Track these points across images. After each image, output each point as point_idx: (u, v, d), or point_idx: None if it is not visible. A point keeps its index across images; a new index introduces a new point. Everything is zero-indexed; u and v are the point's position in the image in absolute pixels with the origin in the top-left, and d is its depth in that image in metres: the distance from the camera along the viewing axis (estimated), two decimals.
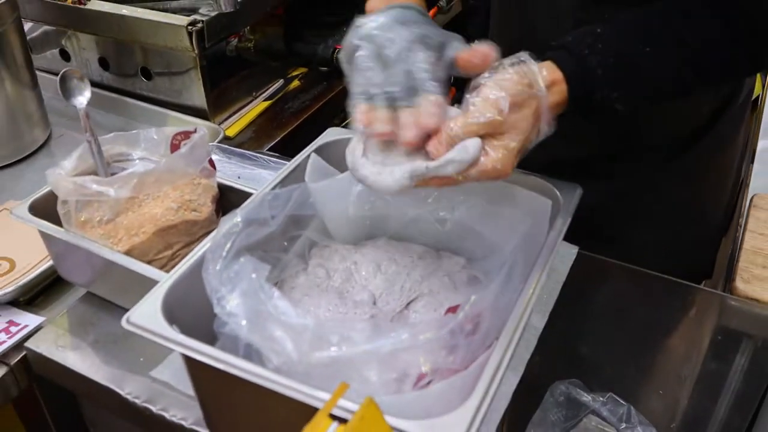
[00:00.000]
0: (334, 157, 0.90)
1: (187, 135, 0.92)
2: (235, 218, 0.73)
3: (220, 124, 1.40)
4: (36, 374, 0.93)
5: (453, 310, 0.78)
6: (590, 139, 1.01)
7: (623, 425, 0.86)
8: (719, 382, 0.89)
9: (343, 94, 0.78)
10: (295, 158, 0.88)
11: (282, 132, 1.43)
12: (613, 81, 0.76)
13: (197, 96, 1.38)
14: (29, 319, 0.97)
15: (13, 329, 0.96)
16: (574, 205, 0.81)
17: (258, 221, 0.76)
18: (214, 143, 1.27)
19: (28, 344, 0.90)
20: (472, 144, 0.69)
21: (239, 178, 1.14)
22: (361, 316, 0.80)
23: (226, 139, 1.36)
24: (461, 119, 0.69)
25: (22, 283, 0.97)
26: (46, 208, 0.92)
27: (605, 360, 0.92)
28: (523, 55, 0.72)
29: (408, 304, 0.83)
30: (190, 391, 0.83)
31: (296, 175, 0.86)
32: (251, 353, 0.66)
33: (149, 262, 0.84)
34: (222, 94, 1.45)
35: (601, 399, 0.89)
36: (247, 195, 0.93)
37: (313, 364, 0.62)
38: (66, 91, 0.92)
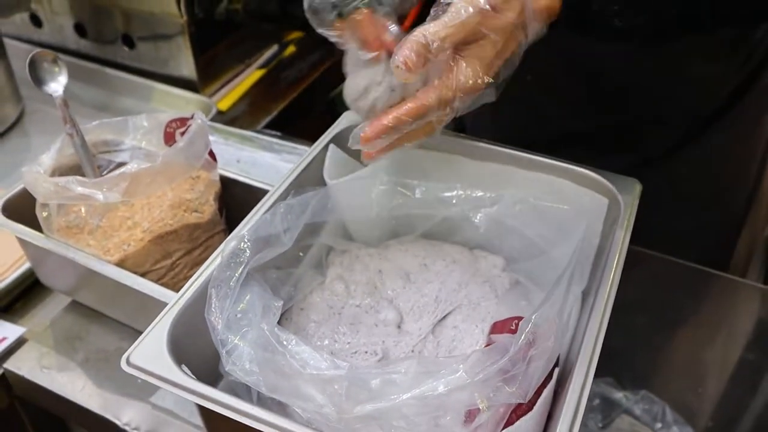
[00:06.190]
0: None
1: (183, 122, 0.80)
2: (243, 241, 0.62)
3: (210, 96, 1.27)
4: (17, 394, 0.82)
5: (501, 326, 0.68)
6: (600, 110, 0.92)
7: (658, 425, 0.81)
8: (758, 378, 0.83)
9: None
10: (310, 151, 0.76)
11: (279, 105, 1.31)
12: None
13: (185, 66, 1.26)
14: (8, 330, 0.85)
15: None
16: (635, 204, 0.71)
17: (269, 239, 0.64)
18: (207, 121, 1.15)
19: (8, 365, 0.79)
20: None
21: (239, 162, 1.03)
22: (387, 341, 0.69)
23: (219, 114, 1.23)
24: (436, 22, 0.57)
25: None
26: (21, 207, 0.80)
27: (638, 355, 0.85)
28: None
29: (444, 317, 0.73)
30: (196, 419, 0.73)
31: (311, 169, 0.75)
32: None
33: (145, 274, 0.73)
34: (211, 63, 1.32)
35: (634, 397, 0.82)
36: (253, 188, 0.83)
37: (353, 419, 0.52)
38: (37, 77, 0.78)
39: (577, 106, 0.94)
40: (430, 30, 0.56)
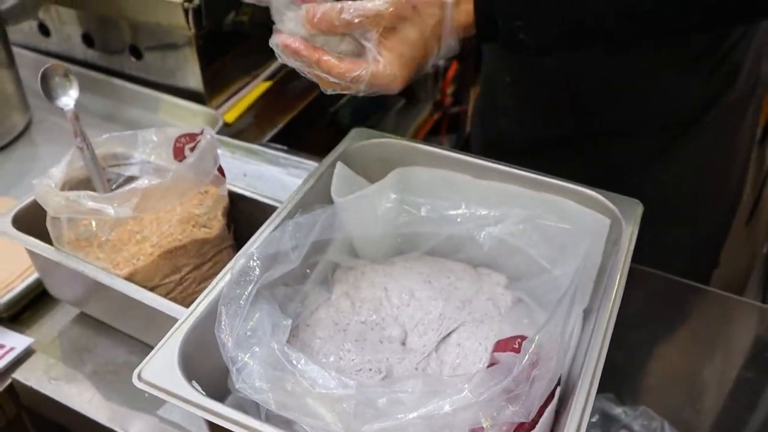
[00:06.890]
0: (361, 163, 0.80)
1: (192, 137, 0.81)
2: (252, 259, 0.63)
3: (217, 108, 1.28)
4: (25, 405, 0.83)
5: (504, 344, 0.69)
6: (576, 115, 0.94)
7: None
8: (756, 395, 0.84)
9: None
10: (317, 168, 0.77)
11: (285, 117, 1.32)
12: (515, 7, 0.67)
13: (192, 77, 1.27)
14: (16, 340, 0.86)
15: None
16: (637, 224, 0.72)
17: (277, 257, 0.66)
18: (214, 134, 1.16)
19: (16, 375, 0.80)
20: None
21: (245, 176, 1.04)
22: (392, 359, 0.70)
23: (225, 126, 1.24)
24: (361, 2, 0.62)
25: (6, 299, 0.87)
26: (32, 219, 0.80)
27: (637, 371, 0.87)
28: None
29: (448, 334, 0.74)
30: None
31: (318, 186, 0.76)
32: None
33: (154, 288, 0.74)
34: (217, 75, 1.32)
35: (633, 413, 0.83)
36: (261, 204, 0.84)
37: None
38: (48, 91, 0.79)
39: (555, 112, 0.95)
40: (350, 4, 0.62)
